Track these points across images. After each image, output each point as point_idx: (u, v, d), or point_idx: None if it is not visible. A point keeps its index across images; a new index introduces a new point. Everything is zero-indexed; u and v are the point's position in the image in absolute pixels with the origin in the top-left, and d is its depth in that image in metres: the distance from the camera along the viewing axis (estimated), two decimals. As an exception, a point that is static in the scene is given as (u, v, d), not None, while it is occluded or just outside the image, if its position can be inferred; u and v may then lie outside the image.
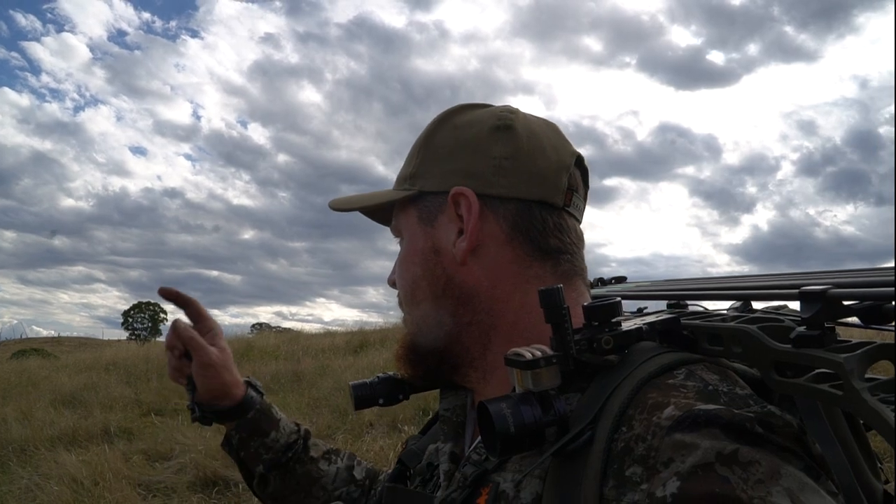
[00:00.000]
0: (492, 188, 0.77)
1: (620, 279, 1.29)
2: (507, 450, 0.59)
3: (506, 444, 0.58)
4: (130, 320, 55.28)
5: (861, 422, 0.72)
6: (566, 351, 0.63)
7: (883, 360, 0.55)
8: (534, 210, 0.77)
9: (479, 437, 0.74)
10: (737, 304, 0.83)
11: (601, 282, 1.30)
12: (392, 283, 0.88)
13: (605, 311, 0.67)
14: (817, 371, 0.58)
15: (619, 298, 0.68)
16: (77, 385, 9.05)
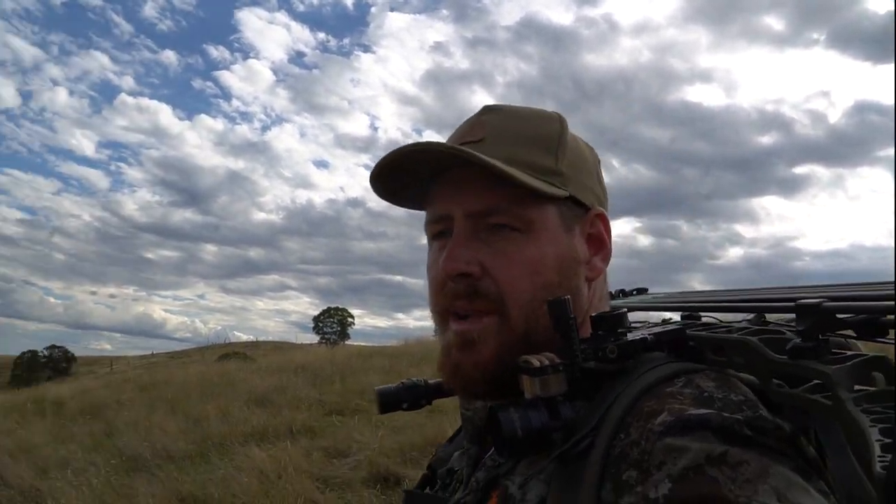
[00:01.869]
0: (607, 220, 0.83)
1: (642, 290, 1.31)
2: (516, 452, 0.63)
3: (514, 446, 0.62)
4: (321, 325, 57.48)
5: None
6: (573, 359, 0.66)
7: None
8: None
9: None
10: (749, 316, 0.83)
11: (622, 293, 1.33)
12: (468, 273, 0.73)
13: (610, 321, 0.70)
14: (814, 382, 0.60)
15: (625, 309, 0.72)
16: (269, 386, 9.66)
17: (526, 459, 0.69)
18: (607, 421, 0.62)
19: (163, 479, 5.73)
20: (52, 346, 56.08)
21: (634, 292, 1.30)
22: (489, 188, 0.74)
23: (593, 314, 0.72)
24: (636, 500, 0.54)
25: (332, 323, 57.52)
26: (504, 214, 0.74)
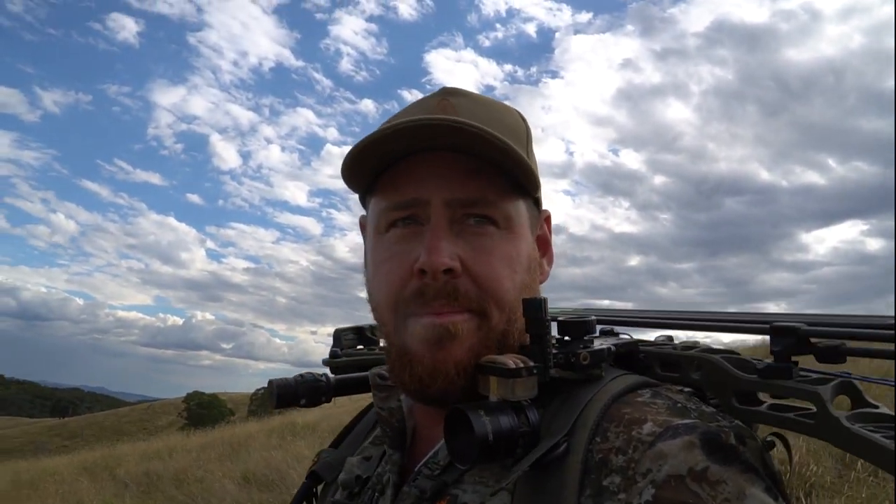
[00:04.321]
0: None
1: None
2: (483, 458, 0.58)
3: (482, 452, 0.58)
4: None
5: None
6: (545, 363, 0.63)
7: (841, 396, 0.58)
8: None
9: (432, 452, 0.72)
10: (661, 335, 0.86)
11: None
12: (451, 269, 0.66)
13: (579, 327, 0.69)
14: (772, 402, 0.62)
15: (594, 317, 0.70)
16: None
17: (475, 468, 0.65)
18: (580, 426, 0.61)
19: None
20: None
21: None
22: (475, 176, 0.68)
23: (560, 319, 0.70)
24: None
25: None
26: (489, 206, 0.68)
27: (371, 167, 0.70)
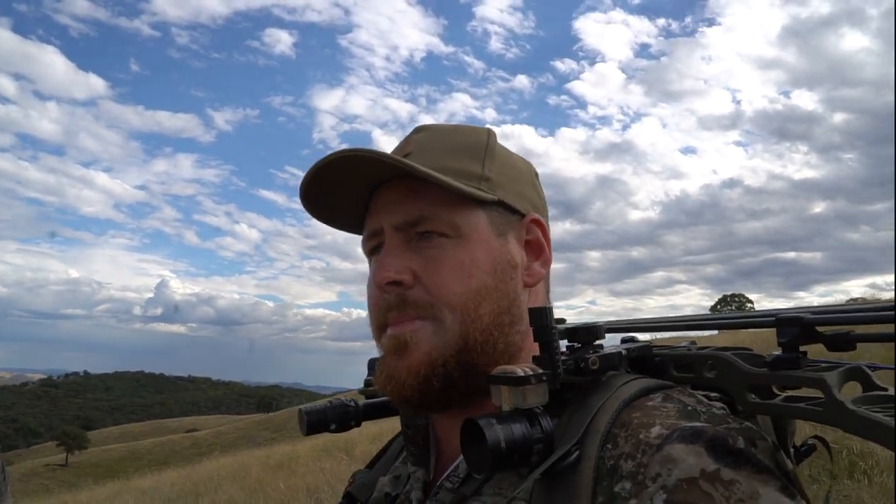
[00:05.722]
0: (546, 226, 0.82)
1: (560, 321, 1.24)
2: (497, 466, 0.58)
3: (496, 460, 0.58)
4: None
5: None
6: (555, 370, 0.63)
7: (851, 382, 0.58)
8: None
9: (453, 465, 0.74)
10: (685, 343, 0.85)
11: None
12: (398, 281, 0.73)
13: (588, 332, 0.69)
14: (787, 394, 0.62)
15: (602, 322, 0.71)
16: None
17: (493, 479, 0.67)
18: (592, 433, 0.61)
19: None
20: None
21: None
22: (413, 198, 0.74)
23: (569, 325, 0.70)
24: None
25: (731, 310, 54.56)
26: (430, 221, 0.73)
27: (353, 202, 0.80)
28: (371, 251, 0.79)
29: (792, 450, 0.76)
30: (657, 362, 0.75)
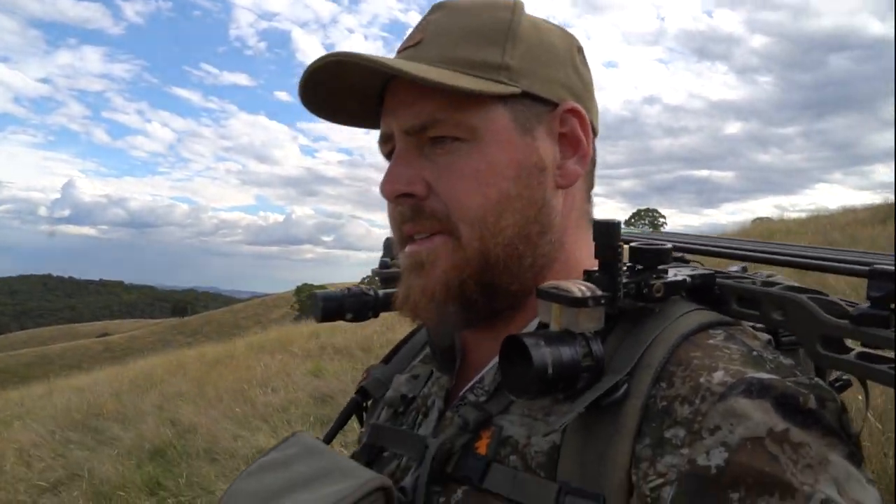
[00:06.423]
0: (589, 114, 0.72)
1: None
2: (541, 392, 0.55)
3: (541, 385, 0.54)
4: (633, 228, 54.31)
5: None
6: (615, 293, 0.58)
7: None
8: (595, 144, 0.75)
9: (478, 377, 0.71)
10: (735, 267, 0.81)
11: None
12: (410, 193, 0.67)
13: (655, 255, 0.62)
14: (860, 351, 0.57)
15: (670, 245, 0.64)
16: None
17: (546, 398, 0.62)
18: (643, 367, 0.57)
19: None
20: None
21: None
22: (423, 98, 0.66)
23: (633, 244, 0.64)
24: (680, 463, 0.50)
25: (643, 225, 55.32)
26: (442, 125, 0.66)
27: (355, 98, 0.72)
28: (388, 155, 0.72)
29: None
30: (717, 293, 0.69)
